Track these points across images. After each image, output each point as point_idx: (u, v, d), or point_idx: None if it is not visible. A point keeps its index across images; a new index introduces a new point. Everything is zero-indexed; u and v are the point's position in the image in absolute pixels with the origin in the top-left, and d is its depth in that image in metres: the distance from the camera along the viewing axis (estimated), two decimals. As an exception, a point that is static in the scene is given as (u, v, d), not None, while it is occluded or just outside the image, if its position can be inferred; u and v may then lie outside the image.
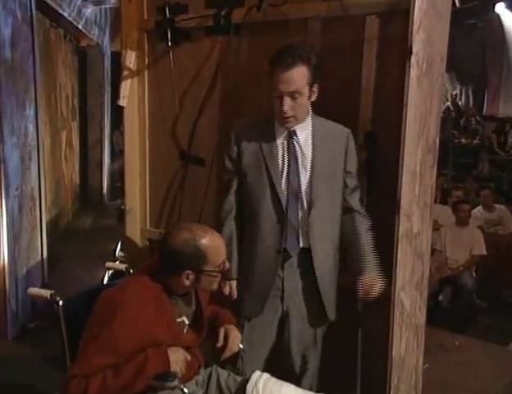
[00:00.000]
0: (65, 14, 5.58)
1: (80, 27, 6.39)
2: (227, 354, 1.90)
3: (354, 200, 2.15)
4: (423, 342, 2.44)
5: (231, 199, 2.17)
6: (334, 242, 2.14)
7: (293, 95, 1.96)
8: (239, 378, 1.91)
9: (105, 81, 8.11)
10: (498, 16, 8.76)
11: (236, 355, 2.00)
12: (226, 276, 2.09)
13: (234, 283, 2.16)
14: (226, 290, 2.16)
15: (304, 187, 2.06)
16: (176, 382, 1.57)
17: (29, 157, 3.96)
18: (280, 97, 1.97)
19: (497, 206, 5.46)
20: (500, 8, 8.57)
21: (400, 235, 2.06)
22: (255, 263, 2.11)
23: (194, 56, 2.68)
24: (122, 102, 2.86)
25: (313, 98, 2.05)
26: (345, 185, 2.13)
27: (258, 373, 1.89)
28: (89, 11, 6.68)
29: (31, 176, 4.00)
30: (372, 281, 2.09)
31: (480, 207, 5.42)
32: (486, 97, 9.55)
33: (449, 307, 4.44)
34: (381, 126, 2.27)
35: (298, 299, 2.14)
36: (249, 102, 2.50)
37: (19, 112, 3.76)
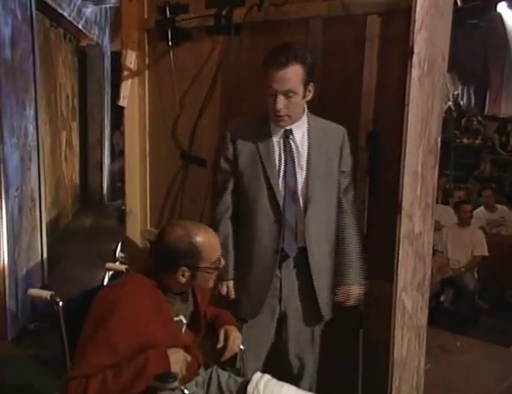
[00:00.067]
0: (65, 14, 5.58)
1: (80, 27, 6.39)
2: (228, 355, 1.89)
3: (347, 200, 2.14)
4: (425, 343, 2.43)
5: (227, 199, 2.15)
6: (330, 241, 2.13)
7: (287, 94, 1.95)
8: (239, 380, 1.90)
9: (105, 81, 8.10)
10: (500, 16, 8.73)
11: (236, 356, 1.99)
12: (222, 276, 2.09)
13: (231, 283, 2.16)
14: (224, 291, 2.15)
15: (300, 186, 2.06)
16: (176, 383, 1.56)
17: (29, 157, 3.96)
18: (274, 95, 1.96)
19: (499, 206, 5.44)
20: (502, 8, 8.53)
21: (401, 235, 2.05)
22: (252, 263, 2.10)
23: (195, 56, 2.68)
24: (122, 102, 2.85)
25: (309, 98, 2.04)
26: (339, 185, 2.12)
27: (258, 374, 1.88)
28: (89, 10, 6.68)
29: (31, 176, 4.00)
30: (350, 291, 2.13)
31: (482, 207, 5.40)
32: (488, 97, 9.52)
33: (450, 308, 4.43)
34: (382, 126, 2.26)
35: (295, 299, 2.13)
36: (249, 101, 2.49)
37: (19, 112, 3.75)
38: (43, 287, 3.90)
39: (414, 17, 1.95)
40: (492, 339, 3.77)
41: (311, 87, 2.01)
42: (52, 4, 5.06)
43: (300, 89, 1.97)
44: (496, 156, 8.63)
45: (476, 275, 4.49)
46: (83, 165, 7.92)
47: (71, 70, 7.18)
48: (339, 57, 2.33)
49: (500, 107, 9.23)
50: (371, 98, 2.28)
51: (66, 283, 4.18)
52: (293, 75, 1.94)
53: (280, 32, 2.39)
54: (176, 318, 1.80)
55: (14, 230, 3.62)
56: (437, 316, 3.89)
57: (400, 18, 2.13)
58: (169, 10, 2.65)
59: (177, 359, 1.69)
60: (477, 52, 9.04)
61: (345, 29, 2.31)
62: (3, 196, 3.44)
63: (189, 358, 1.75)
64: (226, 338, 1.90)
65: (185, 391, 1.63)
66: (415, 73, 1.99)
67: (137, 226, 2.97)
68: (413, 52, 1.96)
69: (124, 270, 2.23)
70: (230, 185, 2.14)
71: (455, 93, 9.75)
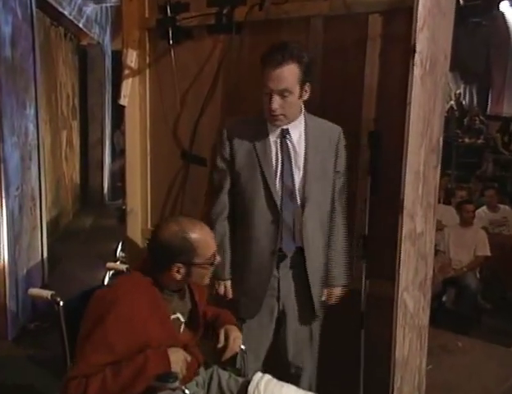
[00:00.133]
0: (65, 12, 5.57)
1: (80, 26, 6.38)
2: (228, 354, 1.89)
3: (340, 200, 2.15)
4: (427, 343, 2.43)
5: (223, 199, 2.14)
6: (326, 240, 2.13)
7: (282, 93, 1.94)
8: (240, 380, 1.90)
9: (106, 80, 8.10)
10: (502, 15, 8.72)
11: (237, 356, 1.98)
12: (219, 276, 2.08)
13: (228, 283, 2.16)
14: (221, 291, 2.15)
15: (297, 186, 2.05)
16: (177, 383, 1.55)
17: (30, 156, 3.95)
18: (269, 94, 1.95)
19: (502, 206, 5.42)
20: (504, 6, 8.52)
21: (403, 235, 2.04)
22: (250, 263, 2.10)
23: (196, 54, 2.67)
24: (123, 101, 2.84)
25: (305, 98, 2.02)
26: (333, 185, 2.12)
27: (259, 374, 1.88)
28: (90, 9, 6.67)
29: (31, 175, 3.99)
30: (332, 292, 2.17)
31: (484, 207, 5.39)
32: (490, 96, 9.52)
33: (452, 308, 4.42)
34: (384, 126, 2.26)
35: (293, 298, 2.14)
36: (250, 100, 2.47)
37: (19, 111, 3.75)
38: (44, 287, 3.90)
39: (416, 16, 1.94)
40: (494, 339, 3.76)
41: (307, 87, 1.99)
42: (53, 3, 5.05)
43: (296, 89, 1.95)
44: (499, 155, 8.60)
45: (478, 275, 4.48)
46: (83, 164, 7.91)
47: (72, 69, 7.18)
48: (340, 56, 2.32)
49: (503, 106, 9.23)
50: (372, 97, 2.27)
51: (66, 283, 4.18)
52: (289, 74, 1.92)
53: (281, 31, 2.39)
54: (173, 316, 1.79)
55: (14, 229, 3.62)
56: (439, 316, 3.88)
57: (401, 17, 2.13)
58: (170, 8, 2.64)
59: (177, 359, 1.68)
60: (479, 51, 9.04)
61: (346, 28, 2.30)
62: (4, 195, 3.44)
63: (189, 357, 1.74)
64: (227, 338, 1.89)
65: (186, 392, 1.63)
66: (417, 72, 1.98)
67: (138, 226, 2.96)
68: (415, 51, 1.95)
69: (124, 270, 2.22)
70: (227, 185, 2.13)
71: (457, 92, 9.74)
